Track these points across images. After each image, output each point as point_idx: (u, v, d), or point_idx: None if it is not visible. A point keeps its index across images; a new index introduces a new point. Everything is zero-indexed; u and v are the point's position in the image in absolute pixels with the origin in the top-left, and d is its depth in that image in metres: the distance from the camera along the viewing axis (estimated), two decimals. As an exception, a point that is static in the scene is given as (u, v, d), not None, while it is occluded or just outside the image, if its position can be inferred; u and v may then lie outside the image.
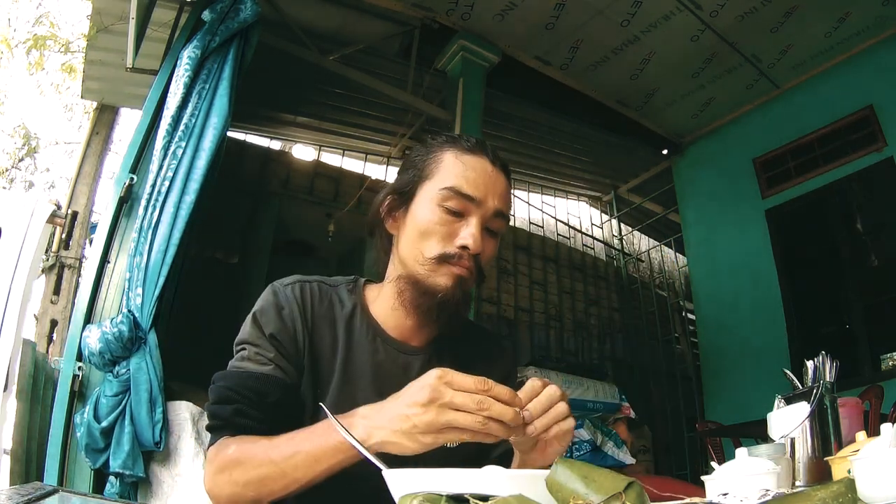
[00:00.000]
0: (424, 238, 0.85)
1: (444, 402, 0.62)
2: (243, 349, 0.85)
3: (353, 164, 4.67)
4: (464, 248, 0.84)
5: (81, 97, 4.25)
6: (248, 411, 0.79)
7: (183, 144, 2.10)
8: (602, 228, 5.93)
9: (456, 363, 0.86)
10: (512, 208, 0.94)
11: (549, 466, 0.57)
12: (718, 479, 0.71)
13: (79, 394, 1.91)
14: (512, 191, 0.93)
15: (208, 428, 0.82)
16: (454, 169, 0.87)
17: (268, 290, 0.90)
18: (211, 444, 0.80)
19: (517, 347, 4.62)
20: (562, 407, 0.68)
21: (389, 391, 0.78)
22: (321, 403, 0.74)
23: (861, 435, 0.74)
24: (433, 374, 0.64)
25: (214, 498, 0.77)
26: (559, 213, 5.56)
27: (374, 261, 0.98)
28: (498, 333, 1.10)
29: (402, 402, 0.65)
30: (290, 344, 0.85)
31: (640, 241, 6.03)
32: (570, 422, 0.69)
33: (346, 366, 0.87)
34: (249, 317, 0.87)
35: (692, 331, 4.96)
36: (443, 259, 0.84)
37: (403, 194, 0.90)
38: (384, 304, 0.91)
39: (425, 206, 0.86)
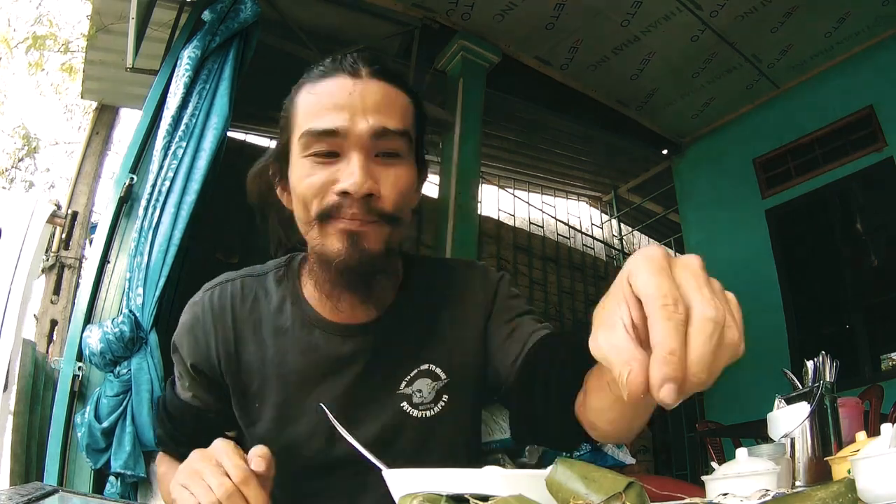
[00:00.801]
0: (304, 200, 0.69)
1: (182, 483, 0.58)
2: (172, 371, 0.85)
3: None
4: (343, 193, 0.66)
5: (81, 97, 4.25)
6: (177, 435, 0.83)
7: (183, 144, 2.10)
8: (602, 228, 5.93)
9: (419, 316, 0.79)
10: (406, 117, 0.72)
11: None
12: (718, 479, 0.71)
13: (79, 394, 1.91)
14: (410, 98, 0.74)
15: (154, 441, 0.95)
16: (307, 106, 0.70)
17: (186, 308, 0.81)
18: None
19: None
20: (732, 336, 0.40)
21: (336, 385, 0.76)
22: (322, 405, 0.73)
23: (861, 435, 0.74)
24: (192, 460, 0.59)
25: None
26: (559, 213, 5.56)
27: (273, 249, 0.85)
28: (468, 262, 0.88)
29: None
30: (209, 369, 0.78)
31: (640, 242, 6.03)
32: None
33: (280, 372, 0.76)
34: (172, 340, 0.81)
35: (692, 331, 4.95)
36: (324, 216, 0.68)
37: (279, 159, 0.76)
38: (314, 286, 0.76)
39: (295, 164, 0.71)
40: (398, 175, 0.70)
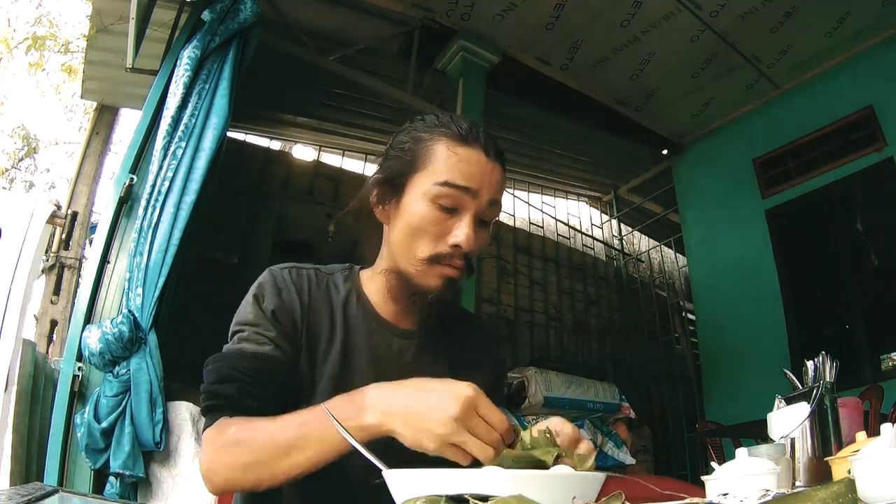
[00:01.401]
0: (416, 236, 0.83)
1: (468, 424, 0.62)
2: (241, 331, 0.83)
3: (353, 165, 4.67)
4: (456, 246, 0.82)
5: (81, 97, 4.25)
6: (251, 391, 0.77)
7: (183, 145, 2.10)
8: (602, 228, 5.93)
9: (446, 346, 0.95)
10: (503, 193, 0.91)
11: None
12: (718, 479, 0.71)
13: (79, 394, 1.91)
14: (504, 175, 0.91)
15: (207, 409, 0.79)
16: (447, 161, 0.83)
17: (265, 273, 0.90)
18: (208, 425, 0.77)
19: (517, 348, 4.63)
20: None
21: (385, 372, 0.84)
22: (326, 408, 0.74)
23: (861, 435, 0.74)
24: (467, 393, 0.63)
25: (211, 480, 0.74)
26: (559, 214, 5.55)
27: (360, 250, 0.97)
28: (477, 314, 1.21)
29: (427, 403, 0.64)
30: (289, 323, 0.85)
31: (640, 242, 6.03)
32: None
33: (344, 348, 0.87)
34: (248, 297, 0.86)
35: (692, 331, 4.95)
36: (434, 260, 0.83)
37: (394, 185, 0.87)
38: (376, 290, 0.91)
39: (417, 201, 0.83)
40: (486, 238, 0.88)
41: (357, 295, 0.92)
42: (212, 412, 0.78)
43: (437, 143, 0.85)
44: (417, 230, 0.83)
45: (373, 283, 0.92)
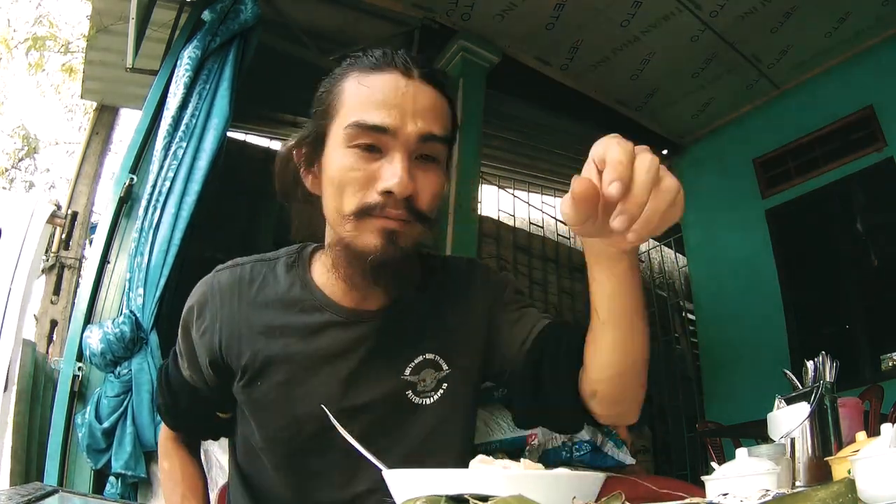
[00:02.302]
0: (340, 191, 0.70)
1: None
2: (175, 346, 0.88)
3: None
4: (387, 192, 0.68)
5: (81, 97, 4.26)
6: (164, 413, 0.91)
7: (183, 145, 2.10)
8: (602, 228, 5.93)
9: (424, 307, 0.82)
10: (447, 124, 0.73)
11: None
12: (718, 479, 0.71)
13: (79, 394, 1.91)
14: (450, 105, 0.75)
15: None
16: (357, 97, 0.70)
17: (197, 285, 0.84)
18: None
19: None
20: (669, 182, 0.50)
21: (344, 367, 0.78)
22: (323, 406, 0.74)
23: (861, 435, 0.74)
24: None
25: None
26: (559, 214, 5.55)
27: (294, 232, 0.84)
28: (471, 259, 0.93)
29: None
30: (208, 347, 0.79)
31: (640, 242, 6.02)
32: (672, 182, 0.50)
33: (285, 349, 0.77)
34: (181, 317, 0.84)
35: (692, 331, 4.95)
36: (364, 212, 0.69)
37: (312, 143, 0.75)
38: (325, 271, 0.79)
39: (334, 152, 0.71)
40: (434, 179, 0.72)
41: (302, 283, 0.80)
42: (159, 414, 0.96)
43: (346, 80, 0.72)
44: (340, 183, 0.70)
45: (324, 266, 0.79)
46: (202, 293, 0.81)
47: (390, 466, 0.56)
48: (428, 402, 0.81)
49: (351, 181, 0.69)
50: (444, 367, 0.81)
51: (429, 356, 0.80)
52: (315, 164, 0.75)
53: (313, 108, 0.76)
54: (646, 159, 0.49)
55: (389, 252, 0.69)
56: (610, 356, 0.68)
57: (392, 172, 0.67)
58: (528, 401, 0.78)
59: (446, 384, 0.81)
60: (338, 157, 0.70)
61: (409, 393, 0.80)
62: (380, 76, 0.70)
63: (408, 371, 0.79)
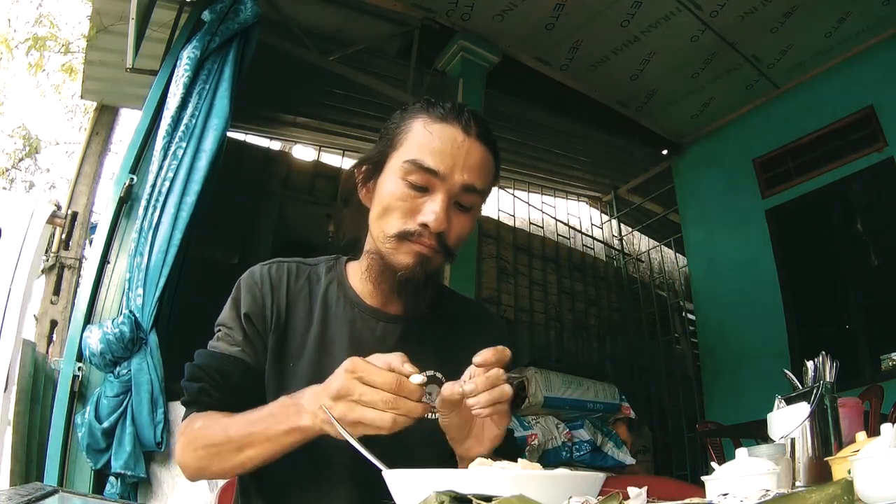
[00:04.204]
0: (387, 214, 0.82)
1: (353, 399, 0.63)
2: (218, 330, 0.89)
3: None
4: (424, 225, 0.80)
5: (81, 97, 4.25)
6: (210, 391, 0.83)
7: (183, 145, 2.10)
8: (602, 229, 5.93)
9: (434, 332, 0.93)
10: (489, 181, 0.87)
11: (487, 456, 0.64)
12: (718, 479, 0.71)
13: (79, 394, 1.91)
14: (495, 163, 0.88)
15: (183, 402, 0.86)
16: (420, 139, 0.82)
17: (246, 273, 0.91)
18: (184, 418, 0.85)
19: (517, 348, 4.62)
20: (504, 389, 0.69)
21: (366, 355, 0.82)
22: (324, 406, 0.75)
23: (861, 435, 0.74)
24: (343, 368, 0.65)
25: (184, 469, 0.82)
26: (559, 214, 5.55)
27: (341, 233, 0.97)
28: (478, 302, 1.25)
29: (323, 391, 0.66)
30: (259, 322, 0.86)
31: (640, 242, 6.03)
32: (505, 407, 0.71)
33: (321, 338, 0.87)
34: (229, 299, 0.90)
35: (692, 331, 4.96)
36: (403, 236, 0.81)
37: (374, 165, 0.87)
38: (360, 276, 0.91)
39: (390, 179, 0.83)
40: (466, 223, 0.85)
41: (339, 283, 0.92)
42: (186, 406, 0.85)
43: (415, 121, 0.84)
44: (388, 207, 0.82)
45: (358, 271, 0.91)
46: (253, 279, 0.89)
47: (391, 466, 0.57)
48: (432, 416, 0.84)
49: (398, 208, 0.81)
50: None
51: (437, 374, 0.88)
52: (371, 181, 0.87)
53: (381, 133, 0.89)
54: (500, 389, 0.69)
55: (417, 272, 0.82)
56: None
57: (432, 210, 0.80)
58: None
59: None
60: (391, 184, 0.82)
61: None
62: (443, 126, 0.82)
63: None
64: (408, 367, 0.65)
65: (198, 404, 0.84)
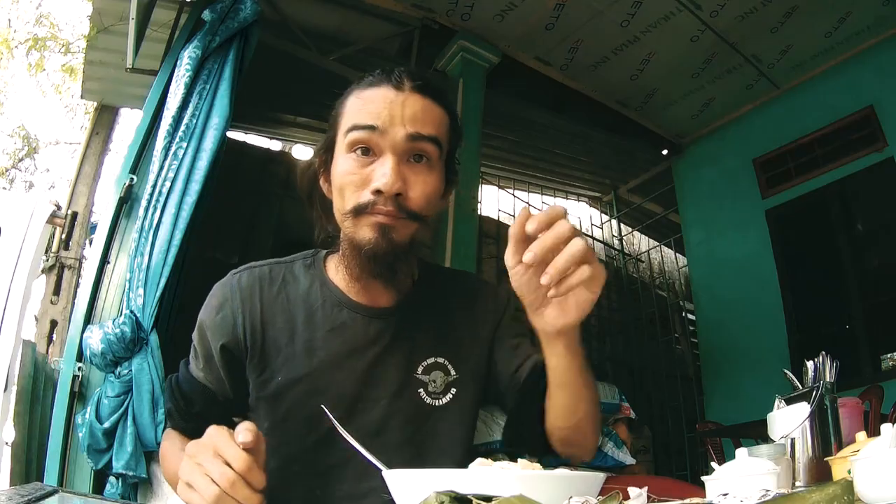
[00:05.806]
0: (342, 193, 0.78)
1: (185, 481, 0.59)
2: (192, 348, 0.88)
3: (353, 165, 4.67)
4: (377, 191, 0.75)
5: (81, 97, 4.25)
6: (174, 414, 0.86)
7: (184, 145, 2.10)
8: (602, 229, 5.93)
9: (433, 313, 0.89)
10: (441, 130, 0.80)
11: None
12: (718, 479, 0.71)
13: (79, 394, 1.91)
14: (446, 114, 0.82)
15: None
16: (353, 108, 0.79)
17: (215, 287, 0.87)
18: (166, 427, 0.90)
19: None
20: (578, 244, 0.58)
21: (361, 359, 0.83)
22: (322, 406, 0.76)
23: (861, 435, 0.74)
24: (188, 448, 0.61)
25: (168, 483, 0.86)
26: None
27: (317, 234, 0.90)
28: (478, 277, 1.10)
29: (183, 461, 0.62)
30: (231, 344, 0.82)
31: (640, 242, 6.03)
32: (594, 267, 0.60)
33: (308, 347, 0.82)
34: (200, 314, 0.86)
35: (692, 331, 4.95)
36: (359, 210, 0.76)
37: (326, 154, 0.84)
38: (341, 271, 0.85)
39: (339, 158, 0.80)
40: (426, 179, 0.78)
41: (321, 282, 0.86)
42: (166, 421, 0.90)
43: (349, 97, 0.82)
44: (341, 186, 0.78)
45: (338, 265, 0.85)
46: (222, 293, 0.85)
47: (398, 463, 0.57)
48: (439, 403, 0.85)
49: (349, 183, 0.77)
50: (453, 372, 0.87)
51: (439, 360, 0.86)
52: (327, 171, 0.84)
53: (328, 124, 0.86)
54: (577, 244, 0.58)
55: (382, 245, 0.75)
56: (562, 413, 0.78)
57: (381, 173, 0.75)
58: (512, 424, 0.89)
59: (454, 389, 0.86)
60: (340, 162, 0.79)
61: (422, 392, 0.85)
62: (374, 90, 0.79)
63: (419, 370, 0.85)
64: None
65: (171, 423, 0.88)
